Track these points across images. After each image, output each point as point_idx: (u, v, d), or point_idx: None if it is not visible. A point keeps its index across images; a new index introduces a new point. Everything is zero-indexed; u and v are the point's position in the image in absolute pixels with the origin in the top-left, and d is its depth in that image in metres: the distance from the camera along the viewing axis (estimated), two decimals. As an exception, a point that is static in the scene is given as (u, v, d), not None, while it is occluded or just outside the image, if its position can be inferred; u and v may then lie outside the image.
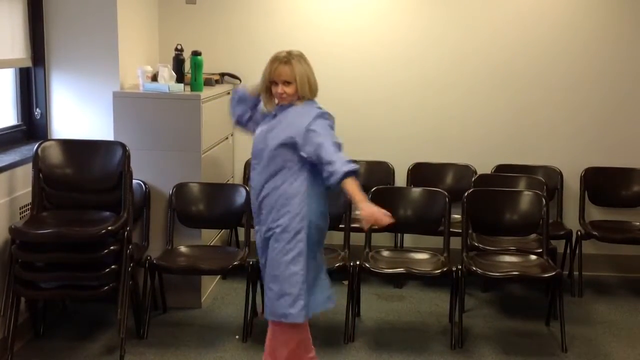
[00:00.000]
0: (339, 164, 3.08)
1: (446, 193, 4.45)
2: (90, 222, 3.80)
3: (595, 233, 4.85)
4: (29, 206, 3.97)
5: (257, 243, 3.40)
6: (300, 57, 3.27)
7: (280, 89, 3.22)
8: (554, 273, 4.08)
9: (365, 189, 3.82)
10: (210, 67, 4.94)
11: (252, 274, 4.13)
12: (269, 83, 3.26)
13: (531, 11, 5.19)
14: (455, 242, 4.43)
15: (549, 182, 4.98)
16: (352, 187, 3.11)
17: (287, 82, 3.21)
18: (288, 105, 3.28)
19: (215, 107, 4.77)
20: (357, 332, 4.20)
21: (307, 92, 3.24)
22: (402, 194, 4.58)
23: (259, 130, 3.37)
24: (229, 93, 5.17)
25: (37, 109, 4.57)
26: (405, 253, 4.53)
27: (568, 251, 4.97)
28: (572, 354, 4.03)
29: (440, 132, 5.31)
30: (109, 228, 3.74)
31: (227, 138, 5.16)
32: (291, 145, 3.20)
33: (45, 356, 3.87)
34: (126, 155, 4.01)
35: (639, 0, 5.11)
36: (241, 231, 4.57)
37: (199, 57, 4.54)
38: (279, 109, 3.31)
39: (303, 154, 3.18)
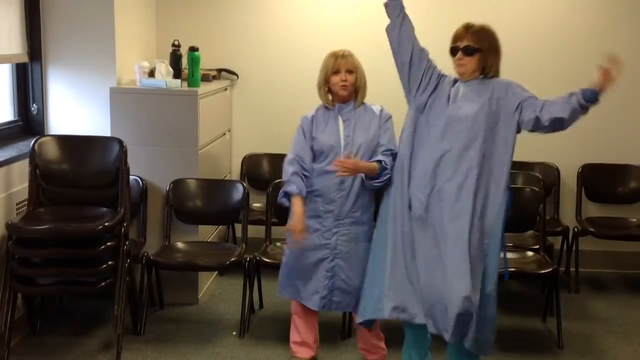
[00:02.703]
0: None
1: (443, 189, 4.44)
2: (87, 218, 3.80)
3: (592, 229, 4.85)
4: (26, 202, 3.96)
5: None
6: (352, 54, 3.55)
7: (343, 76, 3.45)
8: (550, 269, 4.09)
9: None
10: (207, 62, 4.92)
11: (249, 271, 4.14)
12: (331, 74, 3.47)
13: (531, 8, 5.18)
14: (452, 239, 4.42)
15: (546, 178, 4.98)
16: None
17: (350, 71, 3.46)
18: (347, 106, 3.51)
19: (213, 103, 4.76)
20: (354, 328, 4.20)
21: (364, 82, 3.52)
22: (400, 191, 4.57)
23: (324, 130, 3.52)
24: (226, 89, 5.17)
25: (34, 105, 4.56)
26: (402, 249, 4.53)
27: (565, 247, 4.98)
28: (568, 351, 4.04)
29: (437, 129, 5.30)
30: (106, 224, 3.74)
31: (224, 134, 5.16)
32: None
33: (42, 352, 3.87)
34: (123, 151, 4.00)
35: (637, -3, 5.13)
36: (238, 227, 4.56)
37: (196, 52, 4.52)
38: (341, 108, 3.52)
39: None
